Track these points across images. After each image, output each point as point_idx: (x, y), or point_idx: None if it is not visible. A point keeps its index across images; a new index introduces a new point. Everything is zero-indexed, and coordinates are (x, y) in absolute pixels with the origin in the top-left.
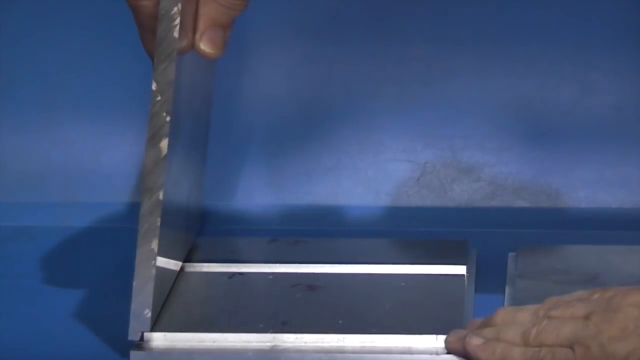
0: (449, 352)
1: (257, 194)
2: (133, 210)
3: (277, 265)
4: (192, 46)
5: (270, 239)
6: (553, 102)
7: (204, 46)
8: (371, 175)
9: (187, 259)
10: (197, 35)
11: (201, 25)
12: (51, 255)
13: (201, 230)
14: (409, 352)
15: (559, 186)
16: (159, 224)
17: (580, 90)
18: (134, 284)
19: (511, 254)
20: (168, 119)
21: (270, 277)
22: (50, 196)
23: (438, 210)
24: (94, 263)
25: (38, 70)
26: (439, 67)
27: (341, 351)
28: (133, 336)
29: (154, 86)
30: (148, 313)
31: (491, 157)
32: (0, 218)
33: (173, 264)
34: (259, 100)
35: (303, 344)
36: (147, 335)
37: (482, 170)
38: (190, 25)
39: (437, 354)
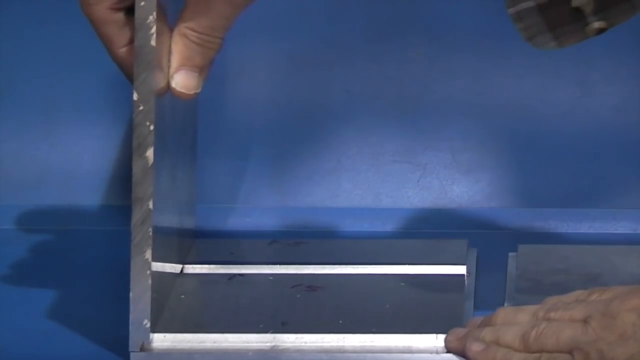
0: (448, 352)
1: (257, 195)
2: None
3: (278, 266)
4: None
5: (270, 241)
6: (552, 103)
7: (176, 86)
8: (371, 176)
9: (188, 260)
10: (170, 74)
11: (174, 63)
12: (51, 257)
13: (202, 232)
14: (409, 351)
15: (558, 186)
16: (151, 233)
17: (580, 90)
18: (131, 294)
19: (511, 254)
20: (152, 127)
21: (271, 278)
22: (49, 199)
23: (438, 212)
24: (94, 265)
25: (38, 71)
26: (439, 68)
27: (341, 351)
28: (134, 347)
29: (135, 96)
30: (147, 323)
31: (491, 158)
32: (0, 221)
33: (172, 267)
34: (260, 103)
35: (303, 344)
36: None
37: (482, 171)
38: (167, 63)
39: (437, 352)
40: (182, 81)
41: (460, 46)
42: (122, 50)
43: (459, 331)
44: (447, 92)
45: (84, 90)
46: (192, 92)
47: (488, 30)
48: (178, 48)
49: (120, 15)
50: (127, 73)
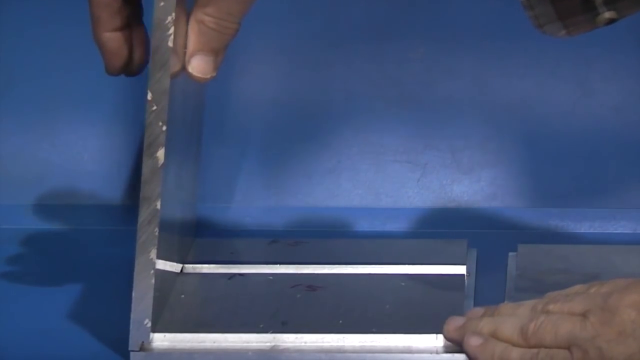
0: (447, 340)
1: (257, 195)
2: (134, 212)
3: (277, 266)
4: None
5: (270, 240)
6: (552, 103)
7: (192, 70)
8: (371, 176)
9: (188, 260)
10: (186, 58)
11: (190, 47)
12: (51, 257)
13: (202, 232)
14: (408, 351)
15: (559, 186)
16: (157, 233)
17: (580, 91)
18: (134, 293)
19: (511, 254)
20: (164, 128)
21: (271, 277)
22: (50, 199)
23: (438, 211)
24: (94, 265)
25: (38, 71)
26: (439, 68)
27: (341, 351)
28: (134, 347)
29: (149, 96)
30: (148, 323)
31: (491, 157)
32: (0, 220)
33: (172, 266)
34: (259, 103)
35: (303, 344)
36: None
37: (482, 170)
38: (182, 48)
39: (437, 353)
40: (197, 65)
41: (460, 46)
42: (107, 35)
43: (458, 320)
44: (447, 91)
45: (85, 90)
46: (208, 76)
47: (488, 30)
48: (194, 33)
49: (118, 1)
50: (106, 57)
